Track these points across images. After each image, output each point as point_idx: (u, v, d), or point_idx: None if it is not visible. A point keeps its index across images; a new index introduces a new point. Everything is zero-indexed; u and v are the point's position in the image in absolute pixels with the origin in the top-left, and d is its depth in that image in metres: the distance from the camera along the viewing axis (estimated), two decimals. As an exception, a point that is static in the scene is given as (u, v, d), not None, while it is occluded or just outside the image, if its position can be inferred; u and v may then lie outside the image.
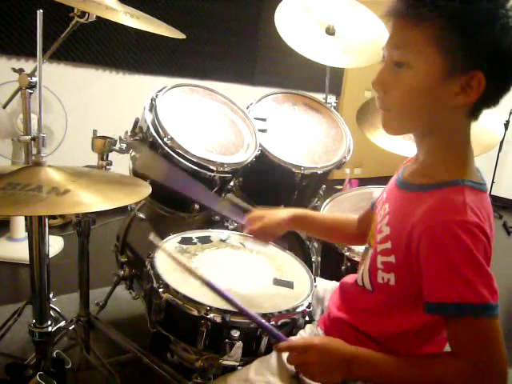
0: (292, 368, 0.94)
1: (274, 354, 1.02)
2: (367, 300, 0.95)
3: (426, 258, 0.78)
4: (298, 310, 1.11)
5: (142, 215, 1.74)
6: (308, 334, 1.11)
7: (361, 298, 0.97)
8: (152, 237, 1.06)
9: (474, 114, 0.82)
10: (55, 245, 2.66)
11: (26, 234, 2.65)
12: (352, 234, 1.20)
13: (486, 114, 1.86)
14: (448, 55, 0.76)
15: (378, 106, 0.86)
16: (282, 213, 1.21)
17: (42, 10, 0.94)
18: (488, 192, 0.85)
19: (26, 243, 2.48)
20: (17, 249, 2.55)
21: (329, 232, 1.27)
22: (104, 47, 3.20)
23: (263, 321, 0.97)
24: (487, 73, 0.75)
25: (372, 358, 0.84)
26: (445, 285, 0.75)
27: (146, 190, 0.99)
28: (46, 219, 1.01)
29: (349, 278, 1.08)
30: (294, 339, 0.93)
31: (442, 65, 0.76)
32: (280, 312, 1.08)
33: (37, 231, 1.00)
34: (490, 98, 0.80)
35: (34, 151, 1.10)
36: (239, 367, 1.04)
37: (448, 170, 0.83)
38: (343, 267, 1.51)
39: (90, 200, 0.84)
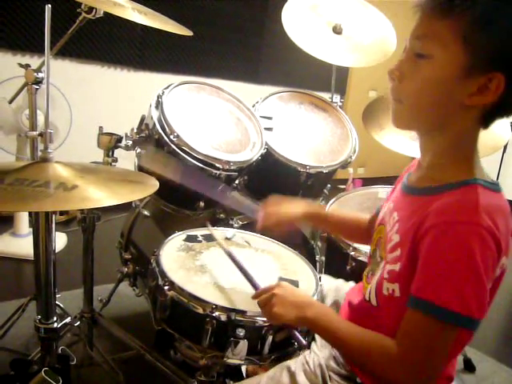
0: None
1: (284, 372, 0.99)
2: (374, 316, 0.91)
3: (425, 254, 0.75)
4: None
5: (146, 212, 1.74)
6: (319, 343, 1.07)
7: (368, 314, 0.93)
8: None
9: (486, 120, 0.79)
10: (59, 241, 2.67)
11: (30, 229, 2.66)
12: (362, 234, 1.20)
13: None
14: (471, 53, 0.73)
15: (390, 96, 0.84)
16: (297, 207, 1.21)
17: (50, 5, 0.94)
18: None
19: (29, 239, 2.54)
20: (20, 244, 2.55)
21: (340, 230, 1.30)
22: (109, 44, 3.20)
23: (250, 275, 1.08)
24: (508, 76, 0.73)
25: (327, 311, 0.93)
26: (434, 285, 0.73)
27: (154, 185, 0.98)
28: (53, 215, 1.01)
29: (355, 292, 1.05)
30: None
31: (464, 61, 0.74)
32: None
33: (44, 227, 0.99)
34: (506, 105, 0.77)
35: (41, 147, 1.10)
36: (243, 366, 1.04)
37: (457, 171, 0.80)
38: (348, 267, 1.51)
39: (98, 196, 0.84)
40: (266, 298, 0.95)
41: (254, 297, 1.00)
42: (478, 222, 0.71)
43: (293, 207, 1.22)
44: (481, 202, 0.73)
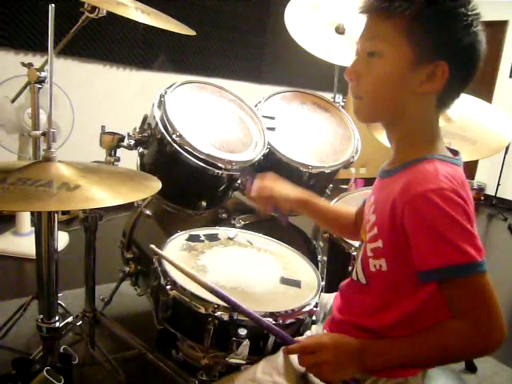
0: (300, 368, 0.94)
1: (281, 354, 1.01)
2: (363, 294, 0.95)
3: (411, 230, 0.81)
4: (305, 309, 1.11)
5: (148, 212, 1.74)
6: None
7: (357, 293, 0.97)
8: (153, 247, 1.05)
9: (440, 104, 0.88)
10: (60, 240, 2.67)
11: (32, 228, 2.66)
12: (348, 227, 1.21)
13: (496, 116, 1.87)
14: (415, 46, 0.82)
15: (351, 94, 0.92)
16: (292, 190, 1.22)
17: (53, 5, 0.94)
18: (471, 179, 0.87)
19: (31, 238, 2.54)
20: (22, 243, 2.56)
21: (328, 221, 1.28)
22: (112, 43, 3.20)
23: (270, 323, 0.97)
24: (451, 63, 0.82)
25: (381, 345, 0.87)
26: (433, 252, 0.79)
27: (157, 185, 0.98)
28: (56, 214, 1.01)
29: (346, 281, 1.07)
30: (303, 340, 0.92)
31: (410, 54, 0.82)
32: (287, 311, 1.08)
33: (46, 226, 0.99)
34: (453, 89, 0.87)
35: (43, 146, 1.10)
36: (245, 366, 1.04)
37: (417, 150, 0.87)
38: (350, 267, 1.50)
39: (101, 195, 0.84)
40: (312, 363, 0.87)
41: (289, 352, 0.92)
42: (441, 187, 0.78)
43: (289, 188, 1.22)
44: (440, 171, 0.81)
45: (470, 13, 0.81)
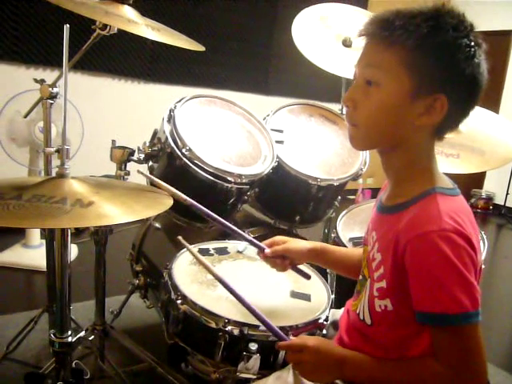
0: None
1: (291, 372, 1.00)
2: (369, 336, 0.94)
3: (411, 270, 0.80)
4: (316, 323, 1.11)
5: (157, 225, 1.75)
6: None
7: (363, 334, 0.96)
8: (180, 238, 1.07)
9: (438, 134, 0.86)
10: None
11: (41, 241, 2.68)
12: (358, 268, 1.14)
13: (503, 127, 1.86)
14: (415, 77, 0.80)
15: (346, 120, 0.91)
16: (304, 242, 1.19)
17: (68, 25, 0.96)
18: (461, 195, 0.87)
19: (41, 250, 2.56)
20: (32, 256, 2.57)
21: (346, 267, 1.22)
22: (120, 57, 3.24)
23: (266, 319, 0.98)
24: (450, 97, 0.80)
25: (361, 361, 0.89)
26: (428, 296, 0.78)
27: (169, 201, 0.99)
28: (69, 230, 1.02)
29: (351, 302, 1.05)
30: (292, 339, 0.95)
31: (410, 85, 0.80)
32: (297, 325, 1.08)
33: (59, 242, 1.00)
34: (452, 121, 0.85)
35: (55, 160, 1.10)
36: (255, 380, 1.04)
37: (417, 184, 0.86)
38: (359, 280, 1.50)
39: (114, 212, 0.85)
40: (295, 361, 0.93)
41: (278, 347, 0.97)
42: (443, 228, 0.76)
43: (301, 241, 1.20)
44: (442, 209, 0.79)
45: (472, 43, 0.79)
